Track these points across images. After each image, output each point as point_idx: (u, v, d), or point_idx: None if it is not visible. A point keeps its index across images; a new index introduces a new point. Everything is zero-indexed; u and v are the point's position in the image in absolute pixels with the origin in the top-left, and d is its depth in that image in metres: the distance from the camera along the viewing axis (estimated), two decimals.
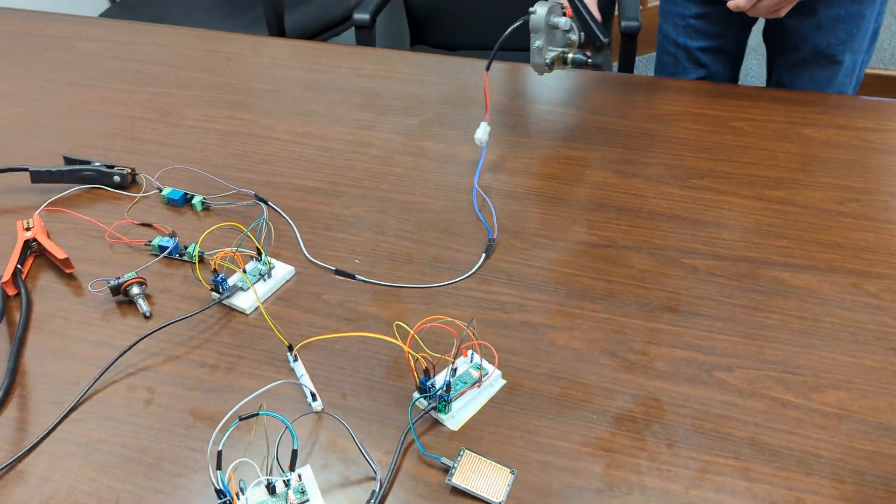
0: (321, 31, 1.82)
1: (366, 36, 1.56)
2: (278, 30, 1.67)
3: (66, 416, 0.64)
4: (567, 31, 0.87)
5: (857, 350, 0.65)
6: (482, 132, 0.86)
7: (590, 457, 0.59)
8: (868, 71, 2.34)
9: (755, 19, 1.11)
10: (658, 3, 1.21)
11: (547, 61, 0.87)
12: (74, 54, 1.21)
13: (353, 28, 1.77)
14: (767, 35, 1.15)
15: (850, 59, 1.05)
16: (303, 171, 0.92)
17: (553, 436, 0.60)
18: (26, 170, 0.90)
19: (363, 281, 0.75)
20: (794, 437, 0.59)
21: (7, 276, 0.76)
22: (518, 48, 1.66)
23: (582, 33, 0.86)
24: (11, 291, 0.76)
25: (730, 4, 0.88)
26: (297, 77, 1.11)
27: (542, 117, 0.99)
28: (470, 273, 0.75)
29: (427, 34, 1.74)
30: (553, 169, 0.89)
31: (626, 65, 1.49)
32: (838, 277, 0.72)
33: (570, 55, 0.87)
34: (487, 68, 0.88)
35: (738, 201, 0.82)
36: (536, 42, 0.86)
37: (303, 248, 0.80)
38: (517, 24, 0.85)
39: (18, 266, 0.77)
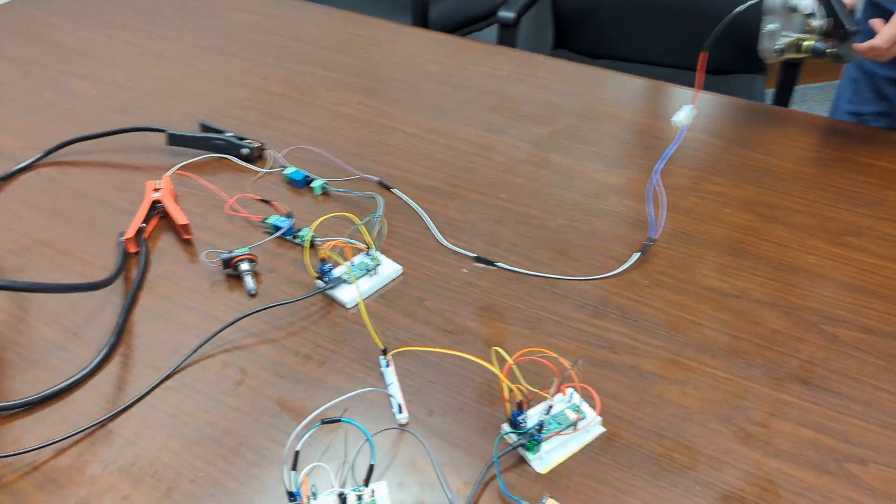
0: (464, 25, 1.80)
1: (508, 35, 1.53)
2: (422, 19, 1.66)
3: (161, 383, 0.65)
4: (808, 16, 0.78)
5: None
6: (685, 115, 0.73)
7: None
8: None
9: None
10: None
11: (778, 47, 0.79)
12: (226, 23, 1.24)
13: (495, 25, 1.74)
14: None
15: None
16: (424, 167, 0.90)
17: (647, 500, 0.55)
18: (164, 131, 0.93)
19: (503, 268, 0.74)
20: None
21: (130, 233, 0.78)
22: (672, 64, 1.58)
23: (830, 19, 0.77)
24: (132, 249, 0.78)
25: (860, 47, 0.78)
26: (433, 70, 1.09)
27: (684, 143, 0.92)
28: (618, 271, 0.71)
29: (571, 38, 1.68)
30: (688, 202, 0.83)
31: (783, 95, 1.38)
32: None
33: (808, 43, 0.78)
34: (706, 48, 0.72)
35: None
36: (769, 25, 0.78)
37: (436, 234, 0.77)
38: (751, 3, 0.75)
39: (143, 225, 0.80)
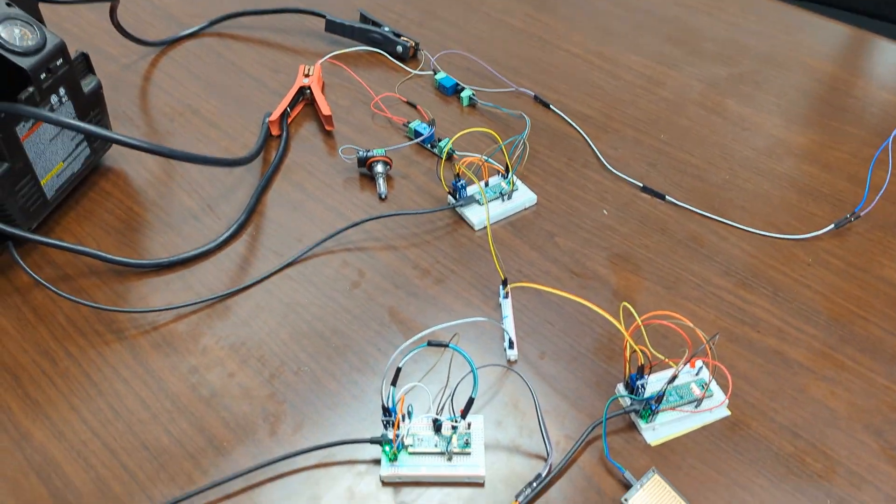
0: None
1: None
2: None
3: (280, 270, 0.65)
4: None
5: None
6: None
7: None
8: None
9: None
10: None
11: None
12: None
13: None
14: None
15: None
16: (581, 93, 0.83)
17: (766, 501, 0.49)
18: (324, 16, 0.91)
19: (673, 203, 0.69)
20: None
21: (276, 115, 0.77)
22: (879, 15, 1.38)
23: None
24: (275, 132, 0.78)
25: None
26: None
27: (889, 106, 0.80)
28: (798, 237, 0.63)
29: None
30: (880, 177, 0.71)
31: None
32: None
33: None
34: None
35: None
36: None
37: (602, 159, 0.73)
38: None
39: (288, 109, 0.79)
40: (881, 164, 0.72)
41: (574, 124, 0.78)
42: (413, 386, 0.54)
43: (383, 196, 0.71)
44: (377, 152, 0.72)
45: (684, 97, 0.82)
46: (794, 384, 0.55)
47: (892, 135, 0.64)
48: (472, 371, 0.50)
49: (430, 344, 0.52)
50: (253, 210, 0.70)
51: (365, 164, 0.72)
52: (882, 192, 0.69)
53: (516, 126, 0.78)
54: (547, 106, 0.81)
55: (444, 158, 0.73)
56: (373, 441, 0.51)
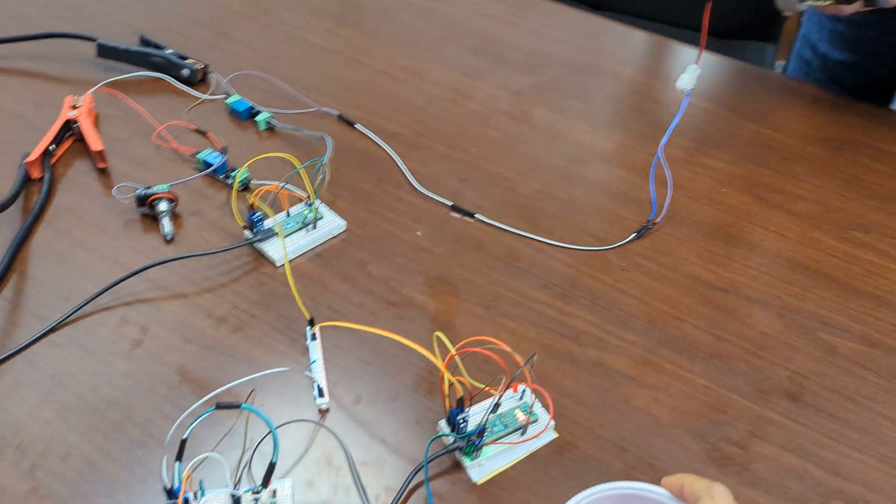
0: None
1: None
2: None
3: (43, 336, 0.55)
4: None
5: None
6: (689, 78, 0.64)
7: None
8: None
9: None
10: None
11: None
12: None
13: None
14: None
15: None
16: (389, 109, 0.79)
17: None
18: (94, 40, 0.81)
19: (482, 221, 0.66)
20: None
21: (35, 155, 0.67)
22: (676, 23, 1.46)
23: None
24: (36, 174, 0.67)
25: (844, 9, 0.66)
26: (414, 1, 0.97)
27: (685, 110, 0.82)
28: (609, 247, 0.62)
29: None
30: (681, 176, 0.73)
31: None
32: None
33: None
34: None
35: None
36: None
37: (411, 178, 0.68)
38: None
39: (51, 147, 0.69)
40: (671, 163, 0.74)
41: (382, 143, 0.74)
42: (204, 458, 0.47)
43: (169, 237, 0.62)
44: (159, 188, 0.64)
45: (492, 108, 0.80)
46: (617, 395, 0.54)
47: (662, 143, 0.65)
48: (271, 431, 0.43)
49: (219, 407, 0.44)
50: (8, 267, 0.59)
51: (145, 202, 0.64)
52: (669, 195, 0.69)
53: (320, 149, 0.72)
54: (352, 125, 0.76)
55: (235, 189, 0.66)
56: None
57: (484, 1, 0.98)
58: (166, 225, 0.63)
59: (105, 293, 0.57)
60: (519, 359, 0.48)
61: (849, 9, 0.69)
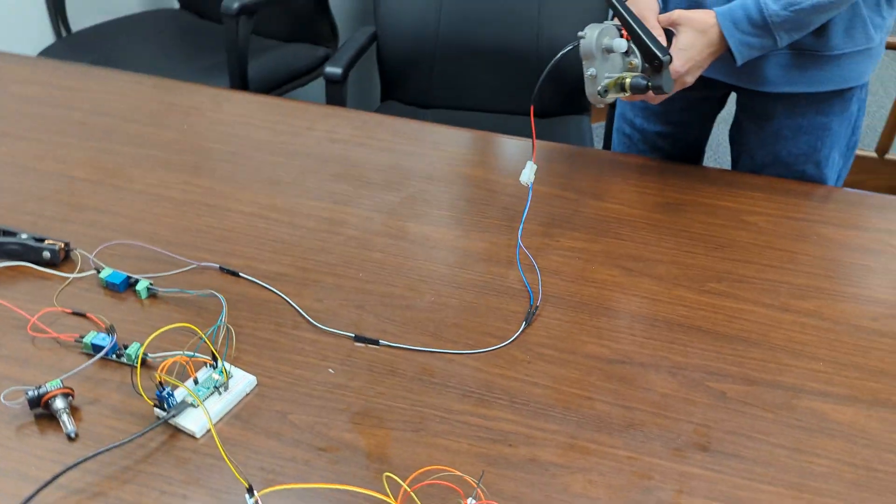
0: (287, 81, 1.71)
1: (336, 91, 1.46)
2: (241, 80, 1.55)
3: None
4: (626, 55, 0.77)
5: None
6: (528, 173, 0.76)
7: None
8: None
9: (718, 108, 1.04)
10: None
11: (601, 88, 0.77)
12: (8, 98, 1.07)
13: (320, 79, 1.67)
14: (731, 133, 1.04)
15: (814, 171, 0.95)
16: (267, 251, 0.80)
17: None
18: None
19: (388, 346, 0.68)
20: None
21: None
22: (503, 110, 1.59)
23: (641, 53, 0.76)
24: None
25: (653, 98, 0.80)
26: (264, 138, 1.00)
27: (535, 200, 0.90)
28: (508, 342, 0.65)
29: (399, 89, 1.65)
30: (550, 262, 0.80)
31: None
32: (886, 413, 0.63)
33: (628, 80, 0.76)
34: (533, 101, 0.78)
35: (763, 311, 0.74)
36: (590, 70, 0.77)
37: (307, 317, 0.68)
38: (567, 49, 0.76)
39: None
40: (539, 251, 0.81)
41: (270, 287, 0.75)
42: None
43: (73, 436, 0.59)
44: (52, 385, 0.60)
45: (369, 231, 0.83)
46: (555, 487, 0.57)
47: (520, 233, 0.73)
48: None
49: None
50: None
51: (40, 403, 0.60)
52: (539, 278, 0.76)
53: (210, 305, 0.72)
54: (236, 275, 0.76)
55: (138, 366, 0.64)
56: None
57: (330, 126, 1.03)
58: (67, 423, 0.59)
59: None
60: (470, 480, 0.50)
61: (655, 98, 0.80)
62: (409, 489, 0.47)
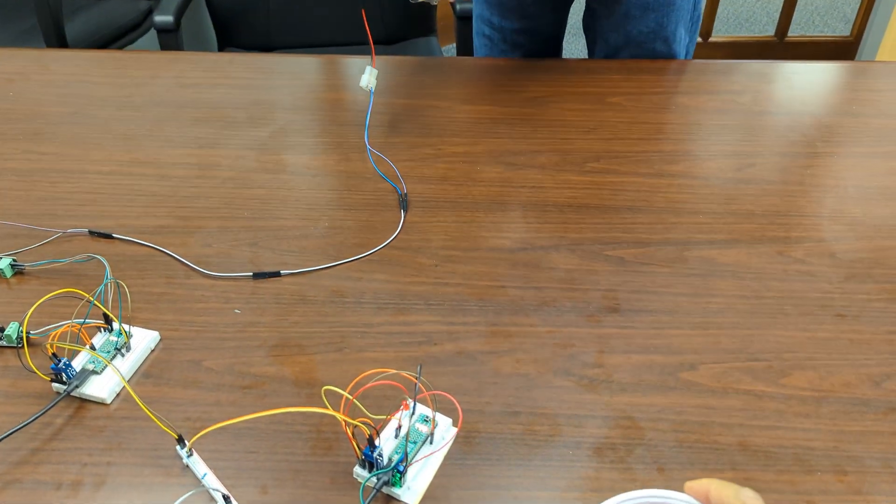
0: (113, 40, 1.58)
1: (170, 40, 1.36)
2: (58, 40, 1.41)
3: None
4: None
5: (806, 323, 0.62)
6: (368, 77, 0.81)
7: (580, 502, 0.50)
8: (720, 39, 2.40)
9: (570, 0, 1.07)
10: None
11: None
12: None
13: (150, 33, 1.55)
14: (584, 20, 1.07)
15: (664, 48, 0.99)
16: (140, 207, 0.74)
17: (529, 486, 0.51)
18: None
19: (290, 274, 0.66)
20: (781, 431, 0.54)
21: None
22: (353, 42, 1.54)
23: None
24: None
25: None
26: (105, 94, 0.92)
27: (413, 113, 0.89)
28: (390, 240, 0.64)
29: (237, 35, 1.56)
30: (438, 170, 0.80)
31: (464, 47, 1.43)
32: (763, 248, 0.69)
33: None
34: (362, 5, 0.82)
35: (642, 180, 0.78)
36: None
37: (196, 267, 0.64)
38: None
39: None
40: (421, 160, 0.81)
41: (149, 244, 0.70)
42: None
43: None
44: None
45: (245, 169, 0.80)
46: (488, 371, 0.58)
47: (366, 137, 0.73)
48: None
49: None
50: None
51: None
52: (398, 173, 0.76)
53: (89, 271, 0.67)
54: (109, 237, 0.71)
55: (25, 344, 0.58)
56: None
57: (179, 73, 0.96)
58: None
59: None
60: (407, 375, 0.50)
61: None
62: (350, 397, 0.46)
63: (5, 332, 0.60)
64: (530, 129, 0.86)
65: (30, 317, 0.56)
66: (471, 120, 0.87)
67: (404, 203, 0.74)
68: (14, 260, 0.67)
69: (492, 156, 0.82)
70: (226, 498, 0.49)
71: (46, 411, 0.54)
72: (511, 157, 0.81)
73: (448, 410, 0.55)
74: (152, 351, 0.60)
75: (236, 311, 0.63)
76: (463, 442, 0.53)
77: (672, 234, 0.71)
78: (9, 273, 0.66)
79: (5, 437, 0.52)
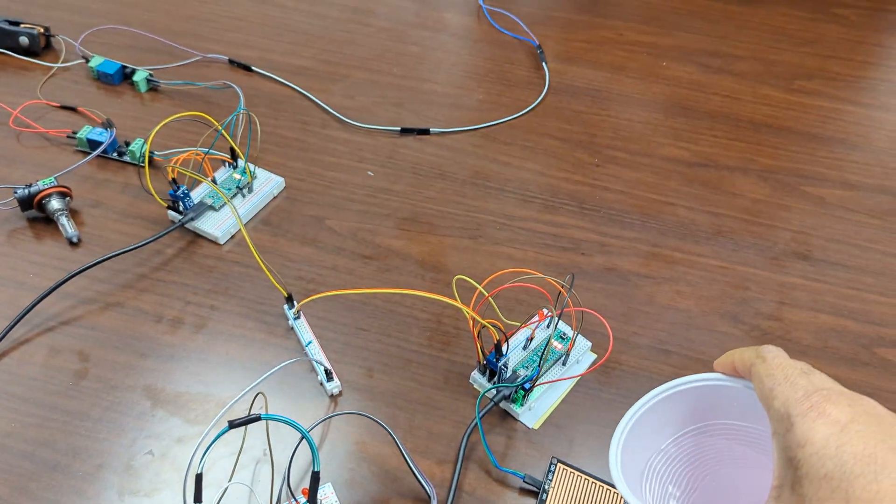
0: None
1: None
2: None
3: None
4: None
5: None
6: None
7: None
8: None
9: None
10: None
11: None
12: None
13: None
14: None
15: None
16: (287, 43, 0.68)
17: None
18: None
19: (440, 132, 0.60)
20: None
21: None
22: None
23: None
24: None
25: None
26: None
27: None
28: (530, 108, 0.56)
29: None
30: (617, 57, 0.68)
31: None
32: None
33: None
34: None
35: (862, 112, 0.64)
36: None
37: (338, 114, 0.58)
38: None
39: None
40: (601, 45, 0.70)
41: (289, 83, 0.64)
42: (224, 490, 0.38)
43: (75, 240, 0.51)
44: (45, 183, 0.51)
45: (402, 21, 0.71)
46: (640, 298, 0.50)
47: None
48: (305, 437, 0.36)
49: (232, 425, 0.36)
50: None
51: (33, 203, 0.51)
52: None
53: (222, 101, 0.62)
54: (248, 69, 0.65)
55: (146, 165, 0.54)
56: None
57: None
58: (67, 226, 0.51)
59: (18, 324, 0.46)
60: (553, 281, 0.42)
61: None
62: (486, 293, 0.39)
63: (129, 148, 0.56)
64: (733, 28, 0.72)
65: (154, 135, 0.52)
66: (665, 6, 0.75)
67: (543, 55, 0.64)
68: (151, 74, 0.63)
69: (682, 52, 0.69)
70: (328, 373, 0.44)
71: (158, 238, 0.50)
72: (705, 58, 0.69)
73: (588, 332, 0.47)
74: (275, 197, 0.55)
75: (370, 172, 0.57)
76: (600, 370, 0.46)
77: (891, 182, 0.58)
78: (143, 87, 0.62)
79: (113, 255, 0.49)
